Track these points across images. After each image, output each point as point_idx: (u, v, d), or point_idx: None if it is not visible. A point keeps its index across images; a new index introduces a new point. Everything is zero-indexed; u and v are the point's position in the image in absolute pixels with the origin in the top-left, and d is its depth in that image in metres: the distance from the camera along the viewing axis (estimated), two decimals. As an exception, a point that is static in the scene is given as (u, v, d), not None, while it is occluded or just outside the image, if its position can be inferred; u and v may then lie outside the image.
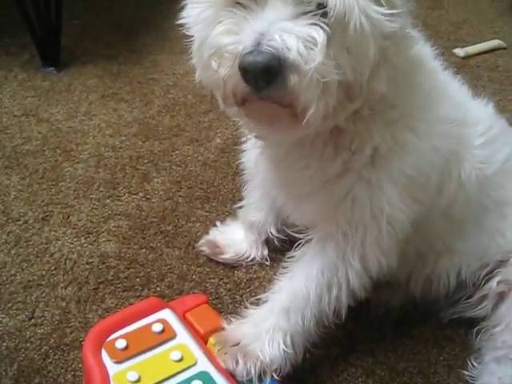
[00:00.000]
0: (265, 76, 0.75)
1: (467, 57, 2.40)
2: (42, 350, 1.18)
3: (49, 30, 2.02)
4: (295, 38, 0.75)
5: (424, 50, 1.05)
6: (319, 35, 0.76)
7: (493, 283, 1.21)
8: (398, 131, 0.95)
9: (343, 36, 0.78)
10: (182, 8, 0.90)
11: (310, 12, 0.78)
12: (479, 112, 1.18)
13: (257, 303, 1.14)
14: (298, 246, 1.11)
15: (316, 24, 0.77)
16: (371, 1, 0.78)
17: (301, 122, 0.80)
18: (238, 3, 0.81)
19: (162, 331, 1.02)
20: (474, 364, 1.19)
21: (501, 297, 1.20)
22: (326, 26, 0.77)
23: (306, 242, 1.09)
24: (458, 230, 1.19)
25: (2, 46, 2.15)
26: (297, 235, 1.11)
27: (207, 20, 0.83)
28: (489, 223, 1.20)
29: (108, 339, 1.00)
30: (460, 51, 2.41)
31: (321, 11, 0.77)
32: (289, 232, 1.24)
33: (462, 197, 1.11)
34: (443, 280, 1.24)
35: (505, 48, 2.50)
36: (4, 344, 1.18)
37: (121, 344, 0.99)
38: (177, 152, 1.72)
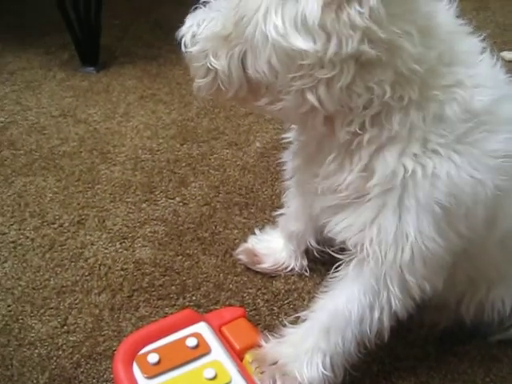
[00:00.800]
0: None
1: (516, 60, 2.33)
2: (74, 358, 1.15)
3: (88, 30, 2.02)
4: (188, 24, 0.90)
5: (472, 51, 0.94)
6: (207, 27, 0.87)
7: None
8: (425, 161, 0.89)
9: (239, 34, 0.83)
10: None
11: None
12: None
13: (295, 321, 1.10)
14: (339, 265, 1.04)
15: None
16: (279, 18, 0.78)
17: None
18: None
19: (197, 346, 0.99)
20: (524, 387, 1.13)
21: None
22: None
23: (347, 261, 1.03)
24: None
25: (42, 46, 2.16)
26: (336, 255, 1.04)
27: None
28: None
29: (140, 352, 0.97)
30: (508, 54, 2.34)
31: None
32: (328, 251, 1.18)
33: None
34: (497, 306, 1.16)
35: (554, 51, 2.42)
36: (36, 351, 1.16)
37: (153, 358, 0.96)
38: (215, 156, 1.68)
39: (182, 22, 0.93)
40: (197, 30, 0.88)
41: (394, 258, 0.93)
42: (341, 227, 0.97)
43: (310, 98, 0.82)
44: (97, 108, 1.86)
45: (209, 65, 0.88)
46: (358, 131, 0.87)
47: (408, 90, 0.85)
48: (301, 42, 0.77)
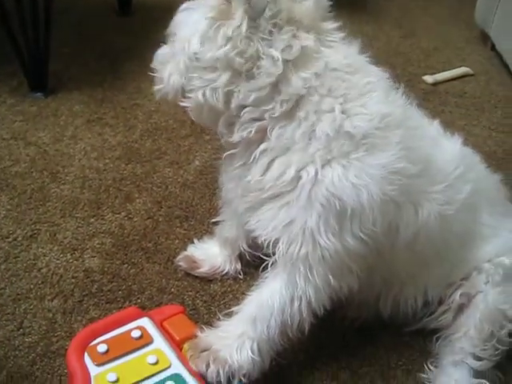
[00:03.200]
0: None
1: (436, 83, 2.52)
2: (30, 357, 1.26)
3: (37, 58, 2.10)
4: None
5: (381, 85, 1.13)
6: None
7: (455, 296, 1.30)
8: (309, 168, 1.06)
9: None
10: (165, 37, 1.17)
11: None
12: (445, 156, 1.23)
13: (229, 315, 1.21)
14: (266, 266, 1.18)
15: None
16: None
17: None
18: None
19: (140, 337, 1.11)
20: (431, 368, 1.29)
21: (461, 308, 1.30)
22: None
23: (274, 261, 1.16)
24: (421, 262, 1.27)
25: (-8, 73, 2.24)
26: (265, 257, 1.18)
27: None
28: (450, 254, 1.29)
29: (90, 344, 1.09)
30: (429, 78, 2.53)
31: None
32: (260, 255, 1.30)
33: (422, 235, 1.19)
34: (410, 302, 1.33)
35: (472, 75, 2.63)
36: (-6, 352, 1.26)
37: (102, 348, 1.08)
38: (158, 174, 1.81)
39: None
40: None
41: (292, 254, 1.09)
42: (254, 225, 1.14)
43: (198, 94, 1.09)
44: (46, 131, 1.96)
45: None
46: (251, 137, 1.09)
47: (274, 106, 1.06)
48: (194, 45, 1.07)
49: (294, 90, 1.04)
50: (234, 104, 1.08)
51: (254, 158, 1.10)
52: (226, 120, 1.11)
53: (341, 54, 1.09)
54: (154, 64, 1.19)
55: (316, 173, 1.05)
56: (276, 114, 1.05)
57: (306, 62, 1.05)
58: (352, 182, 1.05)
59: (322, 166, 1.06)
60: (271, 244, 1.11)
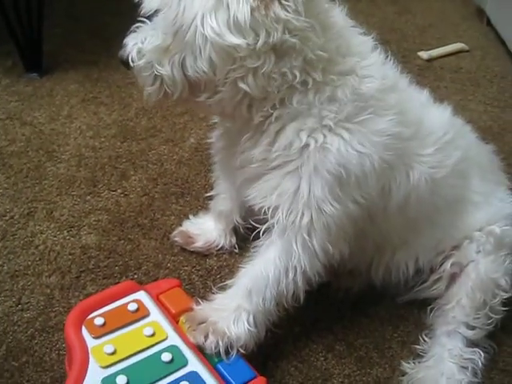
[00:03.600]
0: (125, 65, 1.06)
1: (431, 59, 2.53)
2: (29, 332, 1.27)
3: (31, 39, 2.11)
4: (132, 43, 1.04)
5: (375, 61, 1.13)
6: (150, 42, 1.02)
7: (447, 266, 1.31)
8: (318, 136, 1.06)
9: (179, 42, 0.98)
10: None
11: None
12: (434, 122, 1.24)
13: (224, 288, 1.22)
14: (261, 234, 1.18)
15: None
16: (212, 18, 0.94)
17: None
18: None
19: (137, 310, 1.12)
20: (426, 339, 1.31)
21: (453, 277, 1.31)
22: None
23: (267, 230, 1.17)
24: (413, 226, 1.28)
25: (-13, 55, 2.24)
26: (257, 225, 1.18)
27: None
28: (441, 219, 1.30)
29: (88, 317, 1.10)
30: (424, 54, 2.54)
31: None
32: (251, 222, 1.29)
33: (413, 197, 1.20)
34: (402, 268, 1.34)
35: (468, 51, 2.63)
36: (-7, 328, 1.28)
37: (99, 321, 1.09)
38: (153, 151, 1.82)
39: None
40: (141, 46, 1.03)
41: (294, 221, 1.10)
42: (253, 195, 1.14)
43: (242, 85, 1.00)
44: (41, 111, 1.97)
45: (156, 72, 1.02)
46: (270, 110, 1.05)
47: (313, 75, 1.03)
48: (234, 39, 0.94)
49: (328, 55, 1.04)
50: (272, 86, 1.02)
51: (268, 125, 1.08)
52: (248, 103, 1.05)
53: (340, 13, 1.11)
54: (138, 60, 1.04)
55: (323, 141, 1.06)
56: (309, 85, 1.03)
57: (327, 24, 1.04)
58: (357, 150, 1.07)
59: (329, 132, 1.06)
60: (269, 212, 1.12)
